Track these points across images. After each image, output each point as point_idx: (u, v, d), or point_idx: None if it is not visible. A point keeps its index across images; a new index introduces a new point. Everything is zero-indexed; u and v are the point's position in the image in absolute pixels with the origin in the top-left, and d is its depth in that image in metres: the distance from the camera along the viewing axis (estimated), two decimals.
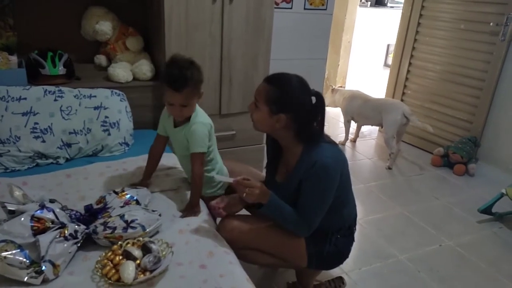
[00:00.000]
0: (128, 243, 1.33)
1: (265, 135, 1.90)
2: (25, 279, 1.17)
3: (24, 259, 1.19)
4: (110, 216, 1.39)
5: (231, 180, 1.51)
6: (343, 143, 3.83)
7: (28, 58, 2.19)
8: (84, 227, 1.36)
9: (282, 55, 3.12)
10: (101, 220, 1.38)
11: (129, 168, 1.93)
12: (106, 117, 2.09)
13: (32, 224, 1.28)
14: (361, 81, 5.54)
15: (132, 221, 1.37)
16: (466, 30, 3.38)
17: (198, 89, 1.62)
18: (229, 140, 2.61)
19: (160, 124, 1.79)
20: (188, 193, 1.73)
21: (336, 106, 3.91)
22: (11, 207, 1.34)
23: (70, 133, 1.99)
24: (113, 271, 1.22)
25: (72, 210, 1.45)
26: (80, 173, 1.86)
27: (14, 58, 2.13)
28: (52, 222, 1.31)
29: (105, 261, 1.26)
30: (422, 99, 3.80)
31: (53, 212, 1.34)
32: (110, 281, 1.20)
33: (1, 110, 1.91)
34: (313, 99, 1.50)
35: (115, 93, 2.19)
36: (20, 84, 2.04)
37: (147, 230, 1.39)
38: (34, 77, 2.16)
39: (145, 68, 2.41)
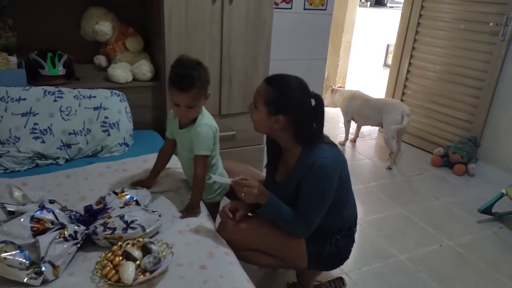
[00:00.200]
0: (128, 243, 1.33)
1: (265, 135, 1.90)
2: (25, 280, 1.17)
3: (24, 260, 1.19)
4: (110, 217, 1.39)
5: (229, 181, 1.51)
6: (343, 143, 3.83)
7: (28, 58, 2.19)
8: (84, 227, 1.36)
9: (281, 55, 3.12)
10: (101, 221, 1.37)
11: (129, 169, 1.93)
12: (106, 117, 2.08)
13: (32, 225, 1.28)
14: (361, 81, 5.54)
15: (132, 221, 1.37)
16: (466, 30, 3.38)
17: (205, 90, 1.61)
18: (229, 140, 2.60)
19: (167, 128, 1.79)
20: (188, 193, 1.73)
21: (335, 106, 3.91)
22: (10, 208, 1.34)
23: (69, 133, 1.99)
24: (113, 271, 1.22)
25: (72, 210, 1.45)
26: (79, 174, 1.86)
27: (13, 59, 2.12)
28: (52, 223, 1.31)
29: (105, 261, 1.26)
30: (422, 99, 3.80)
31: (53, 212, 1.34)
32: (110, 282, 1.20)
33: (0, 111, 1.90)
34: (312, 101, 1.50)
35: (115, 93, 2.19)
36: (19, 84, 2.04)
37: (147, 230, 1.39)
38: (34, 77, 2.16)
39: (145, 68, 2.41)
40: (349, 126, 3.81)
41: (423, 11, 3.69)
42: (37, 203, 1.38)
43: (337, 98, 3.83)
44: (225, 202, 1.85)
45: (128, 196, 1.53)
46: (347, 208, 1.67)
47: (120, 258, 1.27)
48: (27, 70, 2.14)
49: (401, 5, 3.99)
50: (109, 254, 1.29)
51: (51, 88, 2.05)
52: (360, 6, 5.49)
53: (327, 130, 4.15)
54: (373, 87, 5.07)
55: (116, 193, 1.54)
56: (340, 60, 5.11)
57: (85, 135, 2.03)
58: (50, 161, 1.97)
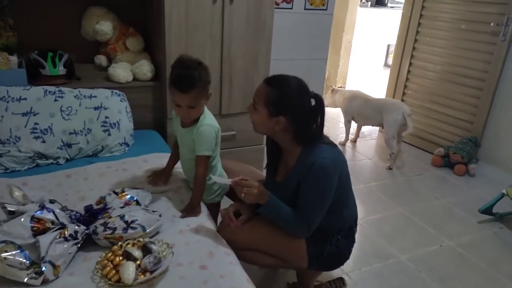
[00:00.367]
0: (128, 243, 1.33)
1: (265, 135, 1.90)
2: (25, 280, 1.17)
3: (24, 260, 1.19)
4: (110, 217, 1.39)
5: (229, 181, 1.51)
6: (344, 143, 3.83)
7: (28, 58, 2.19)
8: (84, 227, 1.36)
9: (282, 56, 3.12)
10: (101, 221, 1.37)
11: (129, 169, 1.93)
12: (106, 117, 2.08)
13: (32, 224, 1.28)
14: (362, 81, 5.54)
15: (132, 221, 1.37)
16: (467, 30, 3.38)
17: (206, 90, 1.60)
18: (230, 140, 2.60)
19: (173, 129, 1.78)
20: (188, 193, 1.73)
21: (336, 107, 3.91)
22: (11, 208, 1.34)
23: (70, 133, 1.99)
24: (113, 271, 1.22)
25: (72, 210, 1.45)
26: (80, 174, 1.86)
27: (14, 58, 2.12)
28: (52, 222, 1.31)
29: (105, 261, 1.26)
30: (422, 99, 3.79)
31: (53, 212, 1.34)
32: (110, 282, 1.20)
33: (1, 111, 1.90)
34: (312, 101, 1.50)
35: (115, 93, 2.19)
36: (20, 84, 2.04)
37: (147, 230, 1.39)
38: (34, 77, 2.16)
39: (145, 68, 2.41)
40: (350, 126, 3.81)
41: (423, 11, 3.69)
42: (37, 203, 1.38)
43: (337, 98, 3.83)
44: (225, 202, 1.85)
45: (128, 196, 1.53)
46: (347, 208, 1.67)
47: (121, 258, 1.27)
48: (28, 69, 2.14)
49: (402, 5, 3.99)
50: (110, 254, 1.29)
51: (52, 88, 2.05)
52: (360, 6, 5.49)
53: (328, 130, 4.15)
54: (373, 87, 5.06)
55: (116, 193, 1.54)
56: (341, 60, 5.11)
57: (86, 135, 2.03)
58: (50, 161, 1.97)
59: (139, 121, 2.34)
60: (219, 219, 1.72)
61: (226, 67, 2.45)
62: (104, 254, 1.29)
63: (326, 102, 3.85)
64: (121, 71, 2.34)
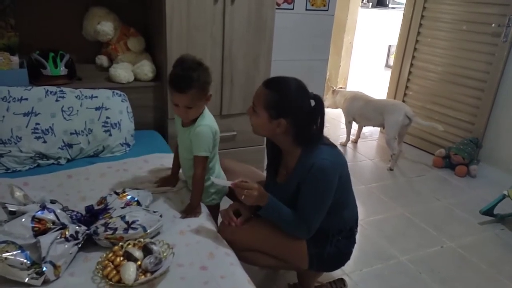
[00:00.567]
0: (129, 244, 1.33)
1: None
2: (26, 280, 1.17)
3: (25, 260, 1.19)
4: (111, 217, 1.39)
5: (229, 183, 1.50)
6: (345, 144, 3.83)
7: (30, 58, 2.19)
8: (85, 228, 1.36)
9: (283, 56, 3.12)
10: (102, 221, 1.38)
11: (130, 169, 1.93)
12: (107, 117, 2.09)
13: (33, 225, 1.28)
14: (363, 82, 5.54)
15: (133, 222, 1.37)
16: (468, 31, 3.37)
17: (204, 90, 1.59)
18: (230, 141, 2.60)
19: (175, 128, 1.78)
20: (189, 194, 1.72)
21: (336, 107, 3.91)
22: (12, 208, 1.34)
23: (71, 133, 1.99)
24: (114, 272, 1.22)
25: (73, 211, 1.45)
26: (81, 174, 1.86)
27: (15, 59, 2.13)
28: (53, 223, 1.31)
29: (106, 262, 1.26)
30: (423, 100, 3.79)
31: (54, 213, 1.34)
32: (111, 282, 1.20)
33: (2, 111, 1.91)
34: (312, 101, 1.49)
35: (116, 93, 2.19)
36: (21, 84, 2.04)
37: (148, 231, 1.39)
38: (36, 77, 2.16)
39: (146, 68, 2.41)
40: (351, 127, 3.80)
41: (425, 12, 3.68)
42: (38, 203, 1.38)
43: (338, 99, 3.83)
44: (225, 203, 1.85)
45: (129, 197, 1.53)
46: (348, 209, 1.67)
47: (121, 258, 1.27)
48: (29, 70, 2.14)
49: (403, 6, 3.99)
50: (110, 255, 1.29)
51: (53, 88, 2.05)
52: (362, 6, 5.49)
53: (328, 131, 4.15)
54: (374, 88, 5.06)
55: (117, 193, 1.54)
56: (342, 61, 5.11)
57: (87, 135, 2.03)
58: (51, 161, 1.97)
59: (140, 121, 2.35)
60: (219, 220, 1.71)
61: (227, 68, 2.45)
62: (104, 255, 1.29)
63: (327, 103, 3.85)
64: (122, 72, 2.35)
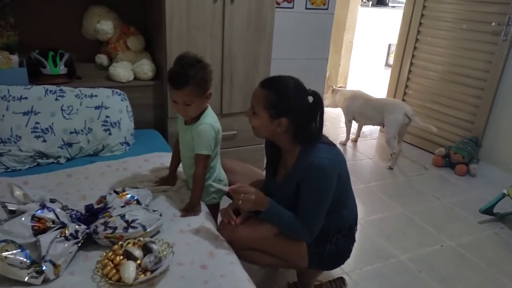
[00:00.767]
0: (128, 243, 1.33)
1: None
2: (26, 279, 1.17)
3: (25, 259, 1.19)
4: (111, 216, 1.39)
5: (226, 188, 1.49)
6: (344, 143, 3.83)
7: (29, 57, 2.19)
8: (85, 227, 1.36)
9: (283, 55, 3.12)
10: (102, 220, 1.37)
11: (130, 168, 1.93)
12: (107, 116, 2.08)
13: (33, 224, 1.28)
14: (363, 81, 5.54)
15: (133, 221, 1.37)
16: (468, 30, 3.37)
17: (202, 88, 1.59)
18: (230, 140, 2.60)
19: (177, 126, 1.78)
20: (189, 192, 1.73)
21: (336, 107, 3.91)
22: (11, 207, 1.34)
23: (71, 132, 1.99)
24: (114, 271, 1.22)
25: (72, 210, 1.45)
26: (81, 173, 1.86)
27: (15, 58, 2.13)
28: (53, 222, 1.31)
29: (106, 261, 1.26)
30: (423, 99, 3.79)
31: (54, 212, 1.34)
32: (110, 281, 1.20)
33: (2, 110, 1.90)
34: (310, 98, 1.49)
35: (116, 92, 2.19)
36: (21, 83, 2.04)
37: (148, 230, 1.39)
38: (35, 76, 2.16)
39: (146, 67, 2.41)
40: (350, 126, 3.80)
41: (425, 10, 3.68)
42: (38, 202, 1.38)
43: (338, 98, 3.83)
44: (225, 202, 1.85)
45: (129, 195, 1.53)
46: (347, 207, 1.67)
47: (121, 257, 1.27)
48: (29, 69, 2.14)
49: (403, 5, 3.99)
50: (110, 254, 1.28)
51: (53, 87, 2.05)
52: (362, 5, 5.50)
53: (328, 130, 4.15)
54: (374, 87, 5.06)
55: (117, 192, 1.54)
56: (342, 60, 5.11)
57: (86, 134, 2.03)
58: (51, 160, 1.97)
59: (139, 120, 2.35)
60: (219, 219, 1.71)
61: (226, 67, 2.45)
62: (104, 254, 1.29)
63: (326, 102, 3.85)
64: (122, 71, 2.34)
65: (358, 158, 3.64)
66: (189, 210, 1.63)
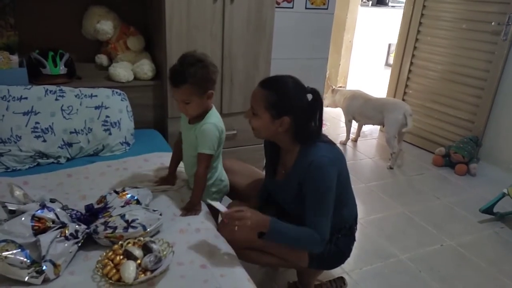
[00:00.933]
0: (128, 242, 1.33)
1: None
2: (26, 279, 1.17)
3: (25, 259, 1.19)
4: (111, 216, 1.39)
5: (222, 209, 1.44)
6: (344, 143, 3.83)
7: (29, 57, 2.19)
8: (85, 226, 1.36)
9: (283, 55, 3.12)
10: (102, 220, 1.38)
11: (130, 168, 1.93)
12: (107, 116, 2.09)
13: (33, 223, 1.28)
14: (363, 81, 5.53)
15: (133, 220, 1.37)
16: (468, 30, 3.37)
17: (201, 87, 1.58)
18: (230, 139, 2.60)
19: (180, 125, 1.78)
20: (189, 192, 1.73)
21: (336, 107, 3.91)
22: (11, 207, 1.34)
23: (71, 132, 1.99)
24: (114, 271, 1.22)
25: (72, 209, 1.45)
26: (81, 173, 1.86)
27: (15, 58, 2.13)
28: (53, 221, 1.31)
29: (106, 261, 1.26)
30: (423, 98, 3.79)
31: (54, 211, 1.34)
32: (110, 281, 1.20)
33: (2, 110, 1.91)
34: (309, 96, 1.49)
35: (116, 92, 2.19)
36: (21, 83, 2.04)
37: (148, 229, 1.39)
38: (35, 76, 2.16)
39: (146, 67, 2.41)
40: (350, 126, 3.80)
41: (425, 10, 3.68)
42: (38, 202, 1.38)
43: (337, 98, 3.83)
44: (225, 202, 1.85)
45: (129, 195, 1.53)
46: (347, 207, 1.67)
47: (121, 257, 1.27)
48: (29, 69, 2.14)
49: (403, 5, 3.99)
50: (110, 253, 1.29)
51: (53, 87, 2.05)
52: (361, 5, 5.50)
53: (328, 129, 4.15)
54: (374, 86, 5.06)
55: (117, 192, 1.54)
56: (342, 60, 5.11)
57: (86, 134, 2.03)
58: (51, 160, 1.97)
59: (139, 120, 2.35)
60: (219, 218, 1.71)
61: (227, 66, 2.45)
62: (104, 253, 1.29)
63: (326, 102, 3.85)
64: (122, 71, 2.35)
65: (358, 157, 3.64)
66: (190, 209, 1.63)
